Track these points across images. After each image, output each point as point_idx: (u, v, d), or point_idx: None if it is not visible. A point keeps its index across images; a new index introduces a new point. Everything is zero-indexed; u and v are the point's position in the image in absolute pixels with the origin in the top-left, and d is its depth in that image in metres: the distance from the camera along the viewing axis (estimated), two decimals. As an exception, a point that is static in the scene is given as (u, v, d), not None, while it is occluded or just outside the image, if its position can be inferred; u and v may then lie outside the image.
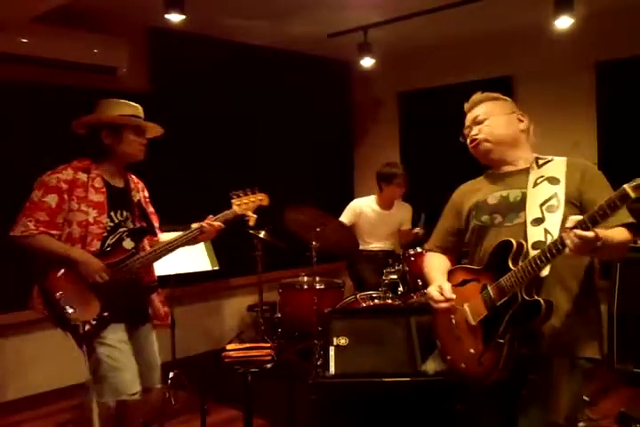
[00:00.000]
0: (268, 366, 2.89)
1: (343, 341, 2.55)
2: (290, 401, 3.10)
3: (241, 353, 2.92)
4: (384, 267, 4.19)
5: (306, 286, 4.49)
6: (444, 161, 5.41)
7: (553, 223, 1.89)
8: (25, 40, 3.77)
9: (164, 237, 2.87)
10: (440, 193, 5.90)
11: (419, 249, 4.14)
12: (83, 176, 2.56)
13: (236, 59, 5.06)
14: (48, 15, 3.49)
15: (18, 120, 3.91)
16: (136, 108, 2.72)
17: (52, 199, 2.49)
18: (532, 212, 1.96)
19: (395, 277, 4.07)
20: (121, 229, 2.63)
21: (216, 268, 4.08)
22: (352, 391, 2.44)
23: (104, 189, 2.59)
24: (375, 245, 4.67)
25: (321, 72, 5.65)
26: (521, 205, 2.01)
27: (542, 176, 2.03)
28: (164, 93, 4.64)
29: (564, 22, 3.82)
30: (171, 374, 3.85)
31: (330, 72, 5.78)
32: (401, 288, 4.04)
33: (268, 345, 3.10)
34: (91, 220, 2.53)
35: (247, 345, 3.02)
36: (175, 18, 3.59)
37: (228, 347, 2.99)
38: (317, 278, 4.16)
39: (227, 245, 4.29)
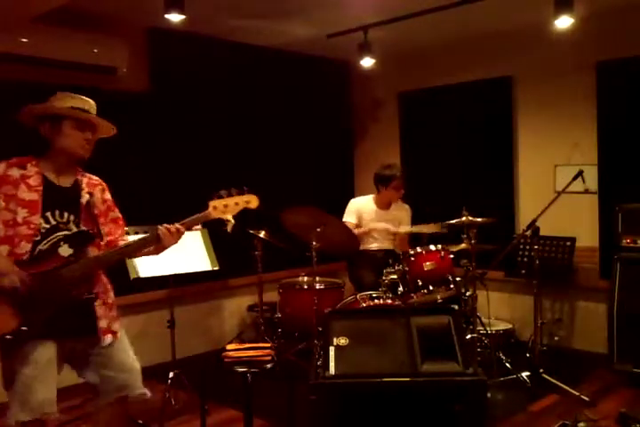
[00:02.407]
0: (268, 366, 2.89)
1: (343, 341, 2.55)
2: (290, 402, 3.10)
3: (241, 353, 2.92)
4: (384, 267, 4.20)
5: (306, 286, 4.49)
6: (444, 161, 5.42)
7: None
8: (25, 40, 3.77)
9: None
10: (440, 192, 5.91)
11: (419, 249, 4.14)
12: (15, 172, 2.37)
13: (236, 59, 5.06)
14: (48, 15, 3.49)
15: (17, 120, 3.91)
16: (85, 102, 2.52)
17: None
18: None
19: (394, 277, 4.07)
20: (59, 233, 2.41)
21: (216, 268, 4.08)
22: (352, 392, 2.43)
23: (40, 188, 2.39)
24: (375, 245, 4.68)
25: (321, 72, 5.65)
26: None
27: None
28: (164, 93, 4.64)
29: (563, 22, 3.81)
30: (171, 374, 3.84)
31: (330, 72, 5.78)
32: (401, 288, 4.04)
33: (268, 345, 3.10)
34: (19, 219, 2.33)
35: (247, 345, 3.03)
36: (175, 18, 3.59)
37: (228, 347, 2.99)
38: (317, 278, 4.15)
39: (227, 245, 4.30)
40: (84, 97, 2.55)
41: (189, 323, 4.71)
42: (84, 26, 4.05)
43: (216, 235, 4.10)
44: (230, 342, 4.08)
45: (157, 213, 3.72)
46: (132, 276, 3.68)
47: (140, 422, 3.47)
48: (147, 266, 3.73)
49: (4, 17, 3.38)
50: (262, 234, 4.36)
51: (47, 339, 2.36)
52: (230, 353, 2.93)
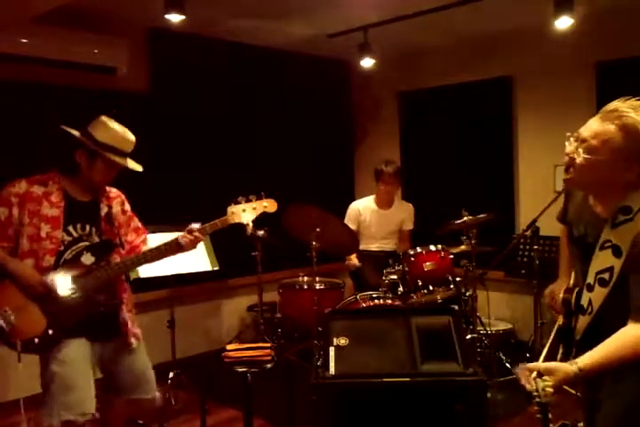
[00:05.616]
0: (268, 366, 2.89)
1: (343, 341, 2.54)
2: (290, 402, 3.10)
3: (241, 353, 2.92)
4: (384, 267, 4.20)
5: (306, 287, 4.49)
6: (443, 161, 5.42)
7: (596, 300, 1.77)
8: (25, 40, 3.77)
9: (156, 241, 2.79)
10: (439, 192, 5.90)
11: (419, 249, 4.14)
12: (38, 190, 2.47)
13: (236, 59, 5.06)
14: (48, 15, 3.49)
15: (18, 120, 3.91)
16: (126, 141, 2.57)
17: (1, 212, 2.44)
18: (590, 274, 1.80)
19: (395, 277, 4.07)
20: (81, 244, 2.53)
21: (216, 268, 4.08)
22: (352, 392, 2.43)
23: (62, 204, 2.50)
24: (377, 246, 4.67)
25: (321, 72, 5.65)
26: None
27: (610, 241, 1.73)
28: (164, 94, 4.64)
29: (563, 22, 3.82)
30: (171, 374, 3.85)
31: (330, 72, 5.78)
32: (401, 288, 4.05)
33: (268, 345, 3.10)
34: (43, 234, 2.44)
35: (247, 345, 3.02)
36: (175, 18, 3.59)
37: (228, 347, 2.99)
38: (317, 279, 4.16)
39: (227, 245, 4.30)
40: (127, 131, 2.58)
41: (189, 323, 4.71)
42: (84, 26, 4.05)
43: (216, 235, 4.10)
44: (230, 342, 4.07)
45: (156, 212, 3.71)
46: (133, 276, 3.68)
47: (140, 422, 3.47)
48: (147, 266, 3.72)
49: (4, 17, 3.37)
50: (261, 234, 4.35)
51: (80, 338, 2.48)
52: (230, 353, 2.93)
